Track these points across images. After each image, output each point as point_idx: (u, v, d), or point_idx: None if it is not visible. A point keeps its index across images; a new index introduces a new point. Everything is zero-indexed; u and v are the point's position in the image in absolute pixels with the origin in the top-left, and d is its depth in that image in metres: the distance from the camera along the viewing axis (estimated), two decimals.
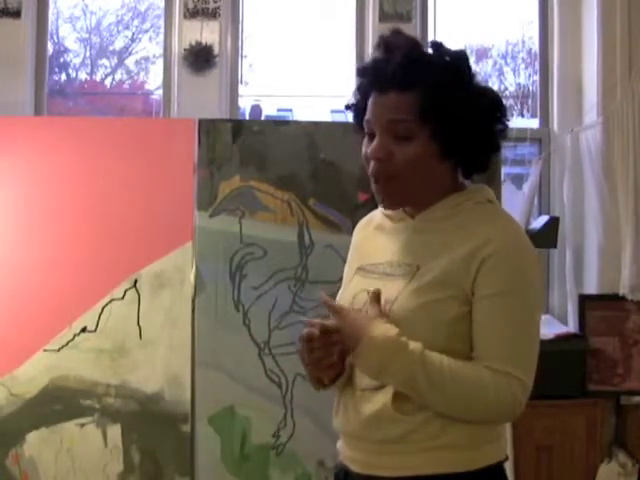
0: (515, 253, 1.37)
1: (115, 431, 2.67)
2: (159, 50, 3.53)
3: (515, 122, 3.45)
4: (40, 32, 3.37)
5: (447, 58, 1.41)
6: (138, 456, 2.66)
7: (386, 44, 1.42)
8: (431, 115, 1.36)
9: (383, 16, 3.34)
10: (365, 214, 1.62)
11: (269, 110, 3.67)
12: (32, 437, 2.65)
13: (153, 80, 3.71)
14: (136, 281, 2.70)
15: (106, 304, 2.69)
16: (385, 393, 1.37)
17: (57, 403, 2.66)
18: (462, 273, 1.35)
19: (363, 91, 1.45)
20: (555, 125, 3.48)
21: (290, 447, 2.69)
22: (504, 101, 1.45)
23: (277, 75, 3.64)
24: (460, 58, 1.42)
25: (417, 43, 1.43)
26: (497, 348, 1.34)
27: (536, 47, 3.61)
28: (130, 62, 3.79)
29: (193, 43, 3.28)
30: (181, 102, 3.29)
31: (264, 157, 2.75)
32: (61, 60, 3.77)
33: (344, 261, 1.61)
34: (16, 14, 3.24)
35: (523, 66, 3.82)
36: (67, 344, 2.67)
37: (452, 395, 1.32)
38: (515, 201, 3.34)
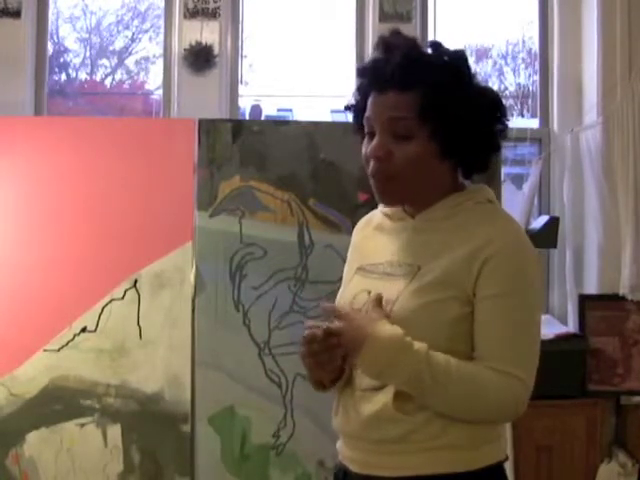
0: (515, 253, 1.37)
1: (115, 431, 2.67)
2: (159, 50, 3.53)
3: (515, 122, 3.46)
4: (40, 32, 3.37)
5: (446, 58, 1.41)
6: (138, 456, 2.66)
7: (385, 44, 1.42)
8: (430, 114, 1.36)
9: (383, 16, 3.34)
10: (365, 214, 1.62)
11: (269, 110, 3.67)
12: (32, 437, 2.65)
13: (153, 80, 3.71)
14: (136, 281, 2.70)
15: (106, 304, 2.69)
16: (386, 393, 1.36)
17: (57, 403, 2.66)
18: (463, 273, 1.35)
19: (363, 91, 1.45)
20: (555, 125, 3.48)
21: (290, 447, 2.69)
22: (504, 101, 1.46)
23: (277, 75, 3.64)
24: (459, 58, 1.42)
25: (416, 43, 1.43)
26: (498, 348, 1.34)
27: (536, 47, 3.61)
28: (130, 62, 3.79)
29: (193, 43, 3.28)
30: (181, 102, 3.29)
31: (264, 157, 2.75)
32: (61, 60, 3.77)
33: (344, 261, 1.61)
34: (16, 14, 3.24)
35: (523, 66, 3.82)
36: (67, 344, 2.67)
37: (456, 395, 1.32)
38: (515, 201, 3.34)
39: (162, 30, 3.45)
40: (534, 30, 3.60)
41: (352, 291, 1.48)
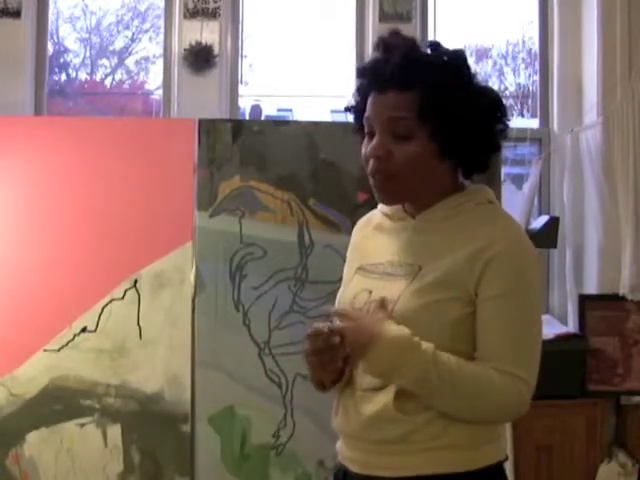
0: (516, 253, 1.37)
1: (115, 431, 2.67)
2: (159, 50, 3.53)
3: (515, 122, 3.45)
4: (40, 32, 3.37)
5: (445, 58, 1.41)
6: (138, 456, 2.66)
7: (385, 45, 1.42)
8: (430, 114, 1.36)
9: (383, 16, 3.34)
10: (365, 214, 1.62)
11: (269, 110, 3.67)
12: (32, 437, 2.65)
13: (153, 80, 3.71)
14: (136, 281, 2.70)
15: (106, 304, 2.69)
16: (386, 393, 1.36)
17: (57, 403, 2.66)
18: (465, 274, 1.35)
19: (362, 92, 1.45)
20: (555, 125, 3.48)
21: (290, 447, 2.69)
22: (504, 101, 1.46)
23: (277, 75, 3.64)
24: (459, 58, 1.42)
25: (415, 43, 1.43)
26: (500, 349, 1.34)
27: (536, 47, 3.61)
28: (130, 62, 3.79)
29: (193, 43, 3.27)
30: (181, 102, 3.29)
31: (264, 157, 2.75)
32: (61, 60, 3.77)
33: (344, 261, 1.61)
34: (16, 14, 3.23)
35: (523, 66, 3.82)
36: (67, 344, 2.67)
37: (461, 395, 1.32)
38: (515, 201, 3.34)
39: (162, 30, 3.45)
40: (534, 30, 3.60)
41: (353, 291, 1.48)
